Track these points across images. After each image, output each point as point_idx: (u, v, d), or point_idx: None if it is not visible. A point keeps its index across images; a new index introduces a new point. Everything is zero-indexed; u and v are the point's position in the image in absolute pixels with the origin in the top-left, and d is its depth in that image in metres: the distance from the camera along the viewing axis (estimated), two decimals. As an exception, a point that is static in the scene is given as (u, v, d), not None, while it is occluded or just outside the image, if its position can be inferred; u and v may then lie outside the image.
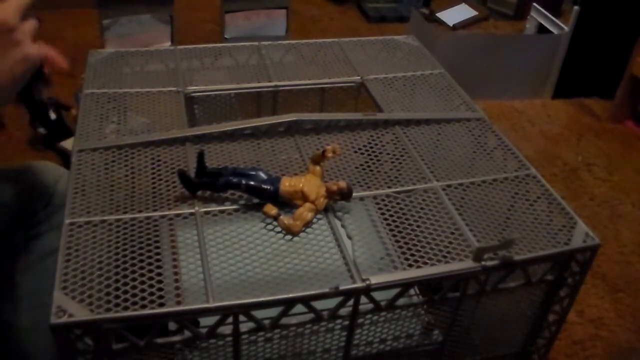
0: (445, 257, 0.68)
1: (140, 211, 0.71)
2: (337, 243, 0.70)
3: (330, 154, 0.73)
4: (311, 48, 1.09)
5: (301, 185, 0.72)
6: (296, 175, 0.76)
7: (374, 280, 0.64)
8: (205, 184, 0.73)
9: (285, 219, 0.71)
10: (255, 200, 0.74)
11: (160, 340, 0.62)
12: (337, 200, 0.73)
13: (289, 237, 0.71)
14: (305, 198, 0.72)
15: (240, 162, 0.81)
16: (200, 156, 0.73)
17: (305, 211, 0.71)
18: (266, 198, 0.73)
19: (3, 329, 0.73)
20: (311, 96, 1.02)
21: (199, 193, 0.74)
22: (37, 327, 0.72)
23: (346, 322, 0.69)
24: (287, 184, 0.72)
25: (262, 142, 0.86)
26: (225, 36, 1.91)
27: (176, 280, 0.64)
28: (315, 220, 0.73)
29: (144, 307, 0.59)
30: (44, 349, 0.69)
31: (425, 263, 0.68)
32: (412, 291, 0.72)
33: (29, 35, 0.65)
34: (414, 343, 0.78)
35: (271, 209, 0.72)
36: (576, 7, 1.91)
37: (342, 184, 0.71)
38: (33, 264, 0.81)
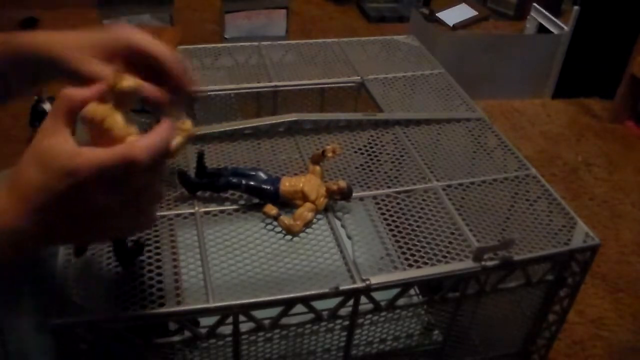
0: (445, 257, 0.69)
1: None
2: (337, 243, 0.70)
3: (330, 154, 0.73)
4: (311, 48, 1.09)
5: (301, 185, 0.72)
6: (296, 175, 0.76)
7: (374, 280, 0.64)
8: (205, 184, 0.73)
9: (286, 219, 0.71)
10: (255, 201, 0.74)
11: (160, 340, 0.62)
12: (337, 200, 0.73)
13: (289, 237, 0.71)
14: (305, 198, 0.72)
15: (240, 162, 0.81)
16: (200, 156, 0.73)
17: (305, 211, 0.71)
18: (266, 198, 0.73)
19: (5, 332, 0.73)
20: (311, 96, 1.02)
21: (199, 193, 0.74)
22: (40, 330, 0.72)
23: (346, 322, 0.69)
24: (287, 184, 0.72)
25: (262, 142, 0.86)
26: (225, 36, 1.91)
27: (176, 280, 0.64)
28: (315, 220, 0.73)
29: (144, 307, 0.59)
30: (46, 351, 0.69)
31: (425, 263, 0.68)
32: (412, 291, 0.72)
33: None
34: (414, 343, 0.78)
35: (271, 209, 0.72)
36: (576, 7, 1.91)
37: (342, 183, 0.71)
38: (37, 266, 0.81)
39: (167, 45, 0.65)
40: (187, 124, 0.54)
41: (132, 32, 0.62)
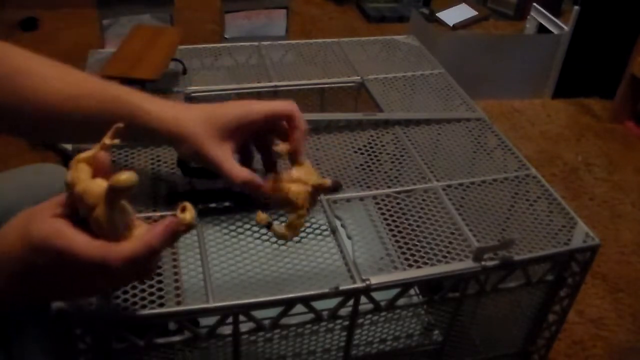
0: (445, 257, 0.69)
1: (140, 211, 0.71)
2: (337, 243, 0.70)
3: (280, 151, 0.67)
4: (311, 48, 1.09)
5: (286, 191, 0.68)
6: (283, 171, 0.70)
7: (374, 280, 0.64)
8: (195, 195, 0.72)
9: (278, 227, 0.69)
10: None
11: (160, 340, 0.62)
12: (325, 194, 0.70)
13: (289, 237, 0.71)
14: (293, 204, 0.69)
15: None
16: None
17: (295, 219, 0.68)
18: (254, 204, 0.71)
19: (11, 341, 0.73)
20: (311, 96, 1.02)
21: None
22: (42, 335, 0.71)
23: (346, 322, 0.69)
24: (272, 191, 0.68)
25: (262, 142, 0.85)
26: (225, 36, 1.91)
27: (176, 280, 0.64)
28: (315, 220, 0.73)
29: (144, 307, 0.59)
30: (47, 351, 0.69)
31: (425, 263, 0.68)
32: (412, 291, 0.72)
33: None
34: (414, 343, 0.78)
35: (262, 218, 0.68)
36: (576, 7, 1.91)
37: (327, 182, 0.67)
38: None
39: None
40: (189, 214, 0.52)
41: (263, 105, 0.66)
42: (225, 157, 0.64)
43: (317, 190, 0.68)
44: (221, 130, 0.64)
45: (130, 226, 0.50)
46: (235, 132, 0.65)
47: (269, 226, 0.69)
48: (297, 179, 0.68)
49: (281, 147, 0.66)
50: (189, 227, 0.51)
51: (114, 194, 0.48)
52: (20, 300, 0.53)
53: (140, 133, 0.64)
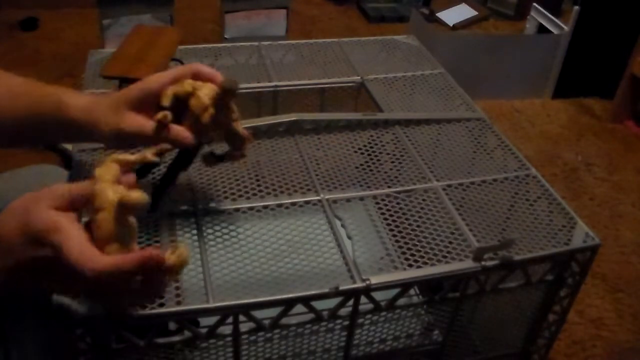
0: (445, 257, 0.69)
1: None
2: (337, 243, 0.70)
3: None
4: (311, 48, 1.09)
5: (196, 117, 0.64)
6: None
7: (374, 280, 0.64)
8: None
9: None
10: (256, 203, 0.74)
11: (160, 340, 0.62)
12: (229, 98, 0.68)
13: (289, 237, 0.71)
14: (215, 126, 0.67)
15: (240, 162, 0.80)
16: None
17: (233, 131, 0.68)
18: (190, 155, 0.70)
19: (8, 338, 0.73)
20: (311, 96, 1.02)
21: (199, 194, 0.74)
22: (40, 330, 0.71)
23: (346, 322, 0.69)
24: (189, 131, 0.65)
25: (262, 142, 0.85)
26: (225, 36, 1.91)
27: (176, 280, 0.64)
28: (315, 219, 0.73)
29: (144, 307, 0.59)
30: (46, 350, 0.69)
31: (425, 263, 0.68)
32: (412, 291, 0.72)
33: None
34: (414, 343, 0.78)
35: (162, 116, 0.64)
36: (576, 7, 1.91)
37: (217, 89, 0.65)
38: None
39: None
40: (174, 257, 0.51)
41: (161, 75, 0.66)
42: (142, 126, 0.64)
43: (221, 99, 0.66)
44: (129, 106, 0.65)
45: (130, 245, 0.50)
46: (144, 104, 0.65)
47: (222, 158, 0.69)
48: (202, 107, 0.65)
49: (161, 115, 0.63)
50: (181, 266, 0.52)
51: (122, 209, 0.49)
52: (10, 287, 0.53)
53: (63, 128, 0.65)
